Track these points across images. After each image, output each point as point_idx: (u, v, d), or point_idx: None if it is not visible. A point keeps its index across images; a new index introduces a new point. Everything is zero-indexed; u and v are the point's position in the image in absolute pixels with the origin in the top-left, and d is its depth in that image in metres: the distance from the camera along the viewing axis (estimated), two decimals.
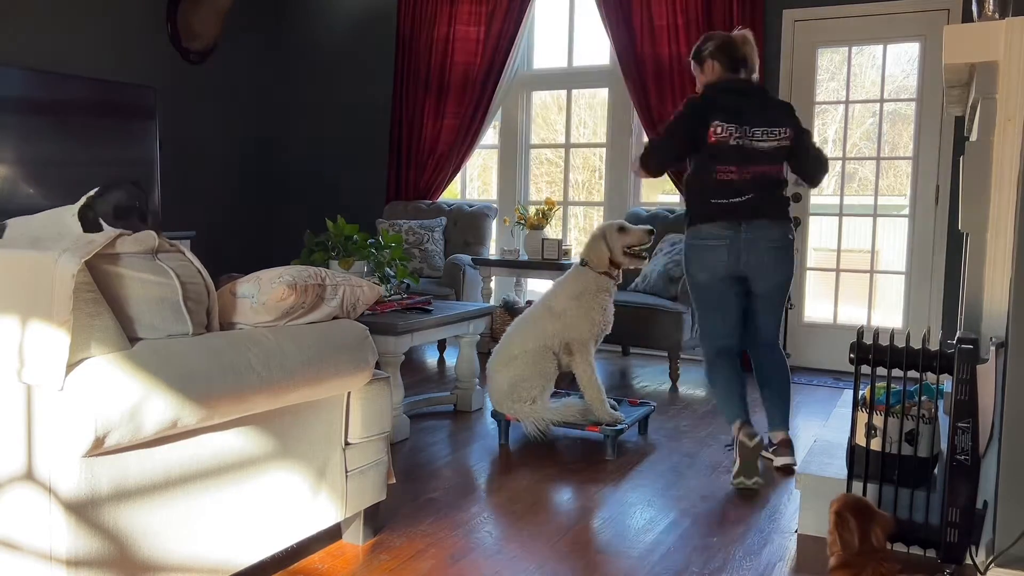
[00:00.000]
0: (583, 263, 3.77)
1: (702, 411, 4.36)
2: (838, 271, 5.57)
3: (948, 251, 5.14)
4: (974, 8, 2.48)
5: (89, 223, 2.13)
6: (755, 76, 3.49)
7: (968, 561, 2.38)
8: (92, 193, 2.21)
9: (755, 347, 3.55)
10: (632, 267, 3.80)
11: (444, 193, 6.58)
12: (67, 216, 2.16)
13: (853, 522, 2.05)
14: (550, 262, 5.56)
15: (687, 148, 3.37)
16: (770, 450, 3.45)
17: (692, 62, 3.62)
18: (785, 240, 3.37)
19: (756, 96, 3.40)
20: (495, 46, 6.17)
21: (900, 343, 2.49)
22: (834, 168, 5.60)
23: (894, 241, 5.48)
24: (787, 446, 3.41)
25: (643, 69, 5.69)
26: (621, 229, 3.75)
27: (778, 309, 3.51)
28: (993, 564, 2.23)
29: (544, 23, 6.41)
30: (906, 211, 5.34)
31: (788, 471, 3.33)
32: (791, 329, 5.60)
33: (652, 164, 3.45)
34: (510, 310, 5.42)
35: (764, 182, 3.31)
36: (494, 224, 6.30)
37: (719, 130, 3.27)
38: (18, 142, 5.01)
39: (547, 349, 3.67)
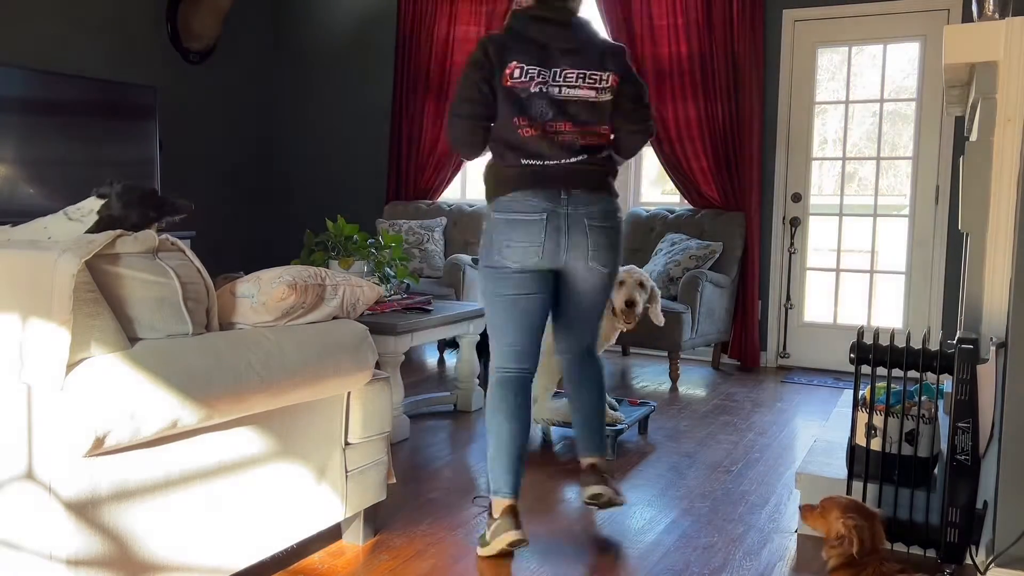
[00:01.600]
0: None
1: (702, 411, 4.36)
2: (838, 271, 5.57)
3: (948, 251, 5.14)
4: (974, 8, 2.48)
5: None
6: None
7: (968, 561, 2.38)
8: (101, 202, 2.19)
9: (570, 355, 2.79)
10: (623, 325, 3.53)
11: (444, 193, 6.58)
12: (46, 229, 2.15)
13: (865, 524, 2.09)
14: None
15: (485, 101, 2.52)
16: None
17: None
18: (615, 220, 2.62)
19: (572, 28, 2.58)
20: None
21: (900, 343, 2.49)
22: (834, 168, 5.61)
23: (894, 241, 5.48)
24: (596, 471, 2.73)
25: (643, 69, 5.69)
26: (620, 283, 3.45)
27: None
28: (993, 564, 2.23)
29: None
30: (906, 211, 5.34)
31: (602, 503, 2.70)
32: (791, 329, 5.61)
33: (458, 142, 2.59)
34: None
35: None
36: None
37: (516, 73, 2.49)
38: (18, 142, 5.01)
39: (549, 349, 3.65)
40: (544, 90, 2.50)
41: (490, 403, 2.61)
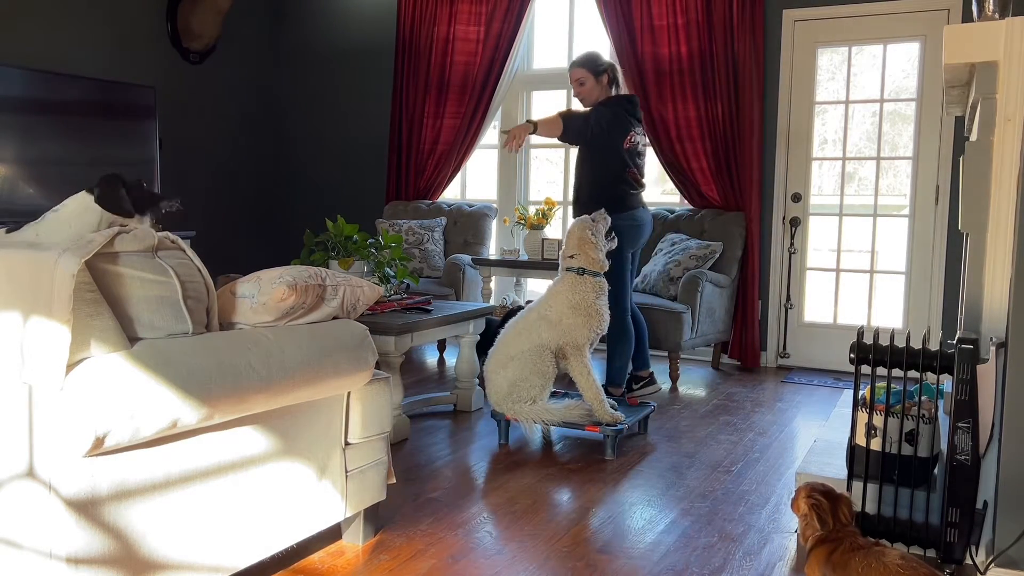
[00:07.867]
0: (580, 271, 3.72)
1: (702, 411, 4.36)
2: (838, 271, 5.57)
3: (948, 251, 5.14)
4: (974, 8, 2.48)
5: (114, 203, 2.09)
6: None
7: (968, 561, 2.38)
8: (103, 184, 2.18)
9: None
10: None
11: (444, 193, 6.58)
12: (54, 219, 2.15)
13: (825, 503, 2.16)
14: (550, 262, 5.55)
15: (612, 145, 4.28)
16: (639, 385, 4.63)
17: (589, 74, 4.29)
18: None
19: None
20: (495, 46, 6.17)
21: (900, 343, 2.50)
22: (834, 168, 5.61)
23: (894, 241, 5.48)
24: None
25: (643, 69, 5.69)
26: (594, 221, 3.83)
27: None
28: (993, 564, 2.23)
29: (544, 23, 6.40)
30: (906, 211, 5.34)
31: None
32: (791, 329, 5.61)
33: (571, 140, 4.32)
34: None
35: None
36: (494, 224, 6.30)
37: (634, 137, 4.31)
38: (18, 142, 5.01)
39: (544, 349, 3.66)
40: (640, 148, 4.44)
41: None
